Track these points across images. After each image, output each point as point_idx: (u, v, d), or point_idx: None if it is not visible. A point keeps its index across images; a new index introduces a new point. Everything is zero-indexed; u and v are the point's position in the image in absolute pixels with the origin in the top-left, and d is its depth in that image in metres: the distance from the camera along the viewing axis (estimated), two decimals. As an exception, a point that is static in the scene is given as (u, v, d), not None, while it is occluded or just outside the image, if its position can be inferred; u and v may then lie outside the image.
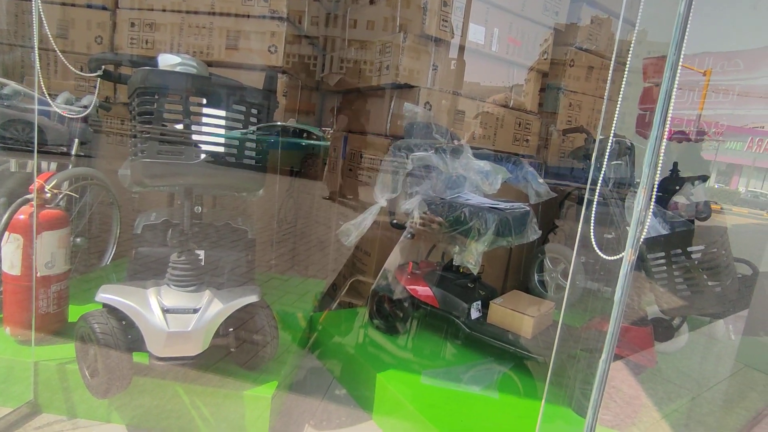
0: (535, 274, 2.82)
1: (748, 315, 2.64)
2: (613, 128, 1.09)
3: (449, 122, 2.58)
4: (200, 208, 1.90)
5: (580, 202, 2.82)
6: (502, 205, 1.96)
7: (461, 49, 2.56)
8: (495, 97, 2.75)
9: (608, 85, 1.16)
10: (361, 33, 2.98)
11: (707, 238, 1.60)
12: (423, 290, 2.09)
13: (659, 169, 0.96)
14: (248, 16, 2.48)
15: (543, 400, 1.40)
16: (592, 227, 1.11)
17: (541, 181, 2.14)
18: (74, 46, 2.63)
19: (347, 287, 2.73)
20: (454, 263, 2.07)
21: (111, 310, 1.42)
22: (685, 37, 0.90)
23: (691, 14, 0.91)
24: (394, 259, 2.29)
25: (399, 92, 2.55)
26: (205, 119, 1.33)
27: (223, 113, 1.34)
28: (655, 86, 3.10)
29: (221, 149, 1.35)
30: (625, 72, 1.08)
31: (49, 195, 1.65)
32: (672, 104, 0.93)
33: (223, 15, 2.51)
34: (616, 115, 1.07)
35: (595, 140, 2.84)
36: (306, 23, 2.80)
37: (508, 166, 2.18)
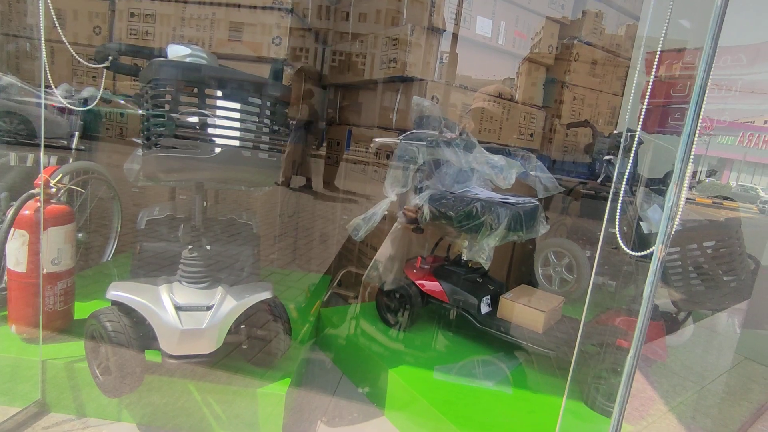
0: (540, 268, 2.82)
1: (747, 308, 2.68)
2: (639, 124, 1.08)
3: (455, 115, 2.56)
4: (205, 202, 1.87)
5: (583, 197, 2.82)
6: (512, 200, 1.95)
7: (468, 42, 2.53)
8: (501, 90, 2.73)
9: (634, 81, 1.15)
10: (356, 25, 2.93)
11: (723, 232, 1.60)
12: (432, 285, 2.08)
13: (690, 163, 0.96)
14: (251, 7, 2.43)
15: (564, 396, 1.40)
16: (617, 222, 1.10)
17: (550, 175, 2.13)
18: (72, 36, 2.56)
19: (344, 280, 2.72)
20: (463, 258, 2.06)
21: (121, 307, 1.39)
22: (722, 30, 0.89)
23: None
24: (385, 249, 2.27)
25: (404, 86, 2.53)
26: (221, 111, 1.29)
27: (238, 105, 1.31)
28: (657, 80, 3.09)
29: (237, 142, 1.32)
30: (653, 69, 1.07)
31: (54, 189, 1.60)
32: (705, 98, 0.93)
33: (224, 5, 2.45)
34: (643, 111, 1.06)
35: (601, 135, 2.83)
36: (309, 15, 2.75)
37: (517, 160, 2.17)
